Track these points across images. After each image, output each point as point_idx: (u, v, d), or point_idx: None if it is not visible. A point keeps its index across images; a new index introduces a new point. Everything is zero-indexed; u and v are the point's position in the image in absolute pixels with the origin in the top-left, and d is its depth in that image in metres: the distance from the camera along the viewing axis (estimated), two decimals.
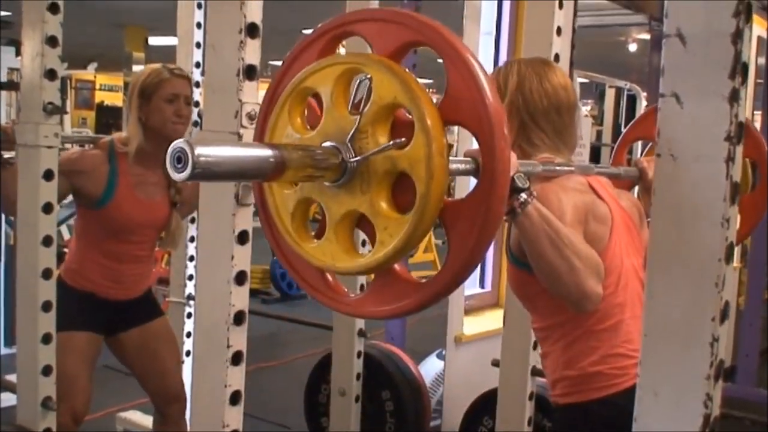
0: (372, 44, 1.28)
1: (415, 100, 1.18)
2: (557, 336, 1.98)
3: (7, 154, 2.60)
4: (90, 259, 2.95)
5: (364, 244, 1.92)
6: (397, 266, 1.28)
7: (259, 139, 1.42)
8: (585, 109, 13.59)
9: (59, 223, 7.66)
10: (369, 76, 1.22)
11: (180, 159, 1.01)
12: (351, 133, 1.22)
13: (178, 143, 1.02)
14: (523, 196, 1.59)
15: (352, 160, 1.21)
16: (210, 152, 1.03)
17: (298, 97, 1.31)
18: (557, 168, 1.85)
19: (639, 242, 2.00)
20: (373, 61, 1.22)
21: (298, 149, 1.19)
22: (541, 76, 1.98)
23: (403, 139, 1.19)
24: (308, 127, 1.32)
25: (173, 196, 2.99)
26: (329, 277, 1.40)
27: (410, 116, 1.20)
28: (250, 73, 1.71)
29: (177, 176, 1.02)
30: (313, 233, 1.35)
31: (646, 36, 7.36)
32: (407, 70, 1.24)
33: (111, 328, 3.08)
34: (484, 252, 1.26)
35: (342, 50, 1.53)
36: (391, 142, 1.20)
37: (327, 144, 1.23)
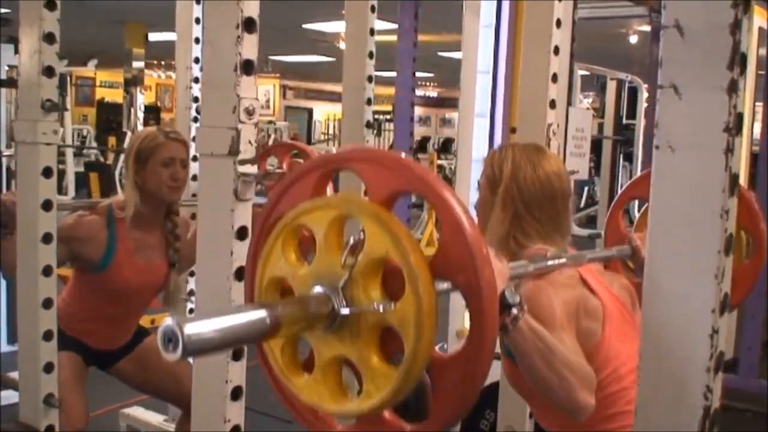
0: (367, 184, 1.29)
1: (406, 258, 1.18)
2: (558, 417, 1.98)
3: (6, 152, 2.60)
4: (82, 319, 2.95)
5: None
6: (386, 412, 1.29)
7: (252, 266, 1.42)
8: (586, 101, 13.58)
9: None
10: (362, 229, 1.23)
11: (170, 339, 0.98)
12: (343, 281, 1.22)
13: (167, 323, 0.99)
14: (514, 311, 1.57)
15: (342, 312, 1.22)
16: (200, 329, 1.01)
17: (291, 232, 1.33)
18: (549, 263, 1.84)
19: (634, 328, 1.99)
20: (367, 213, 1.23)
21: (288, 305, 1.21)
22: (535, 165, 1.98)
23: (392, 305, 1.19)
24: (301, 260, 1.33)
25: (172, 257, 2.99)
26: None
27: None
28: (247, 68, 1.71)
29: (169, 357, 0.98)
30: (303, 360, 1.36)
31: (647, 28, 7.36)
32: (396, 216, 1.26)
33: (101, 364, 3.11)
34: (469, 406, 1.27)
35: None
36: (381, 308, 1.20)
37: (318, 290, 1.24)
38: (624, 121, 8.21)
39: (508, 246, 1.97)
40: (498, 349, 1.66)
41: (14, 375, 2.67)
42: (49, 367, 2.44)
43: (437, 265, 1.22)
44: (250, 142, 1.73)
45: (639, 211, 3.17)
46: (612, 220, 2.66)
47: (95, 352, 3.00)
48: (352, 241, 1.23)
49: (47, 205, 2.38)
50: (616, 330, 1.93)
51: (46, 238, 2.39)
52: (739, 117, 1.07)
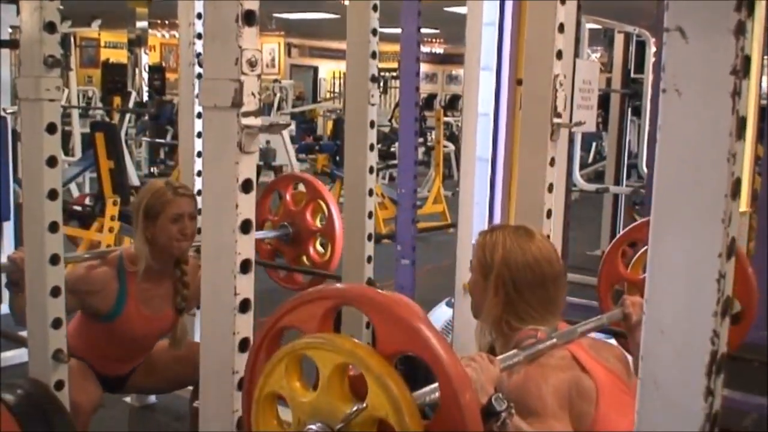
0: (377, 333, 1.36)
1: (404, 426, 1.26)
2: None
3: (10, 110, 2.59)
4: (88, 350, 2.97)
5: None
6: None
7: (252, 372, 1.54)
8: (594, 56, 13.48)
9: (68, 182, 7.69)
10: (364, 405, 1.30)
11: None
12: (340, 427, 1.31)
13: None
14: (502, 416, 1.62)
15: None
16: None
17: (296, 359, 1.40)
18: (539, 347, 1.88)
19: (633, 397, 1.99)
20: (374, 371, 1.29)
21: None
22: (525, 250, 2.00)
23: None
24: (305, 387, 1.41)
25: (179, 303, 3.01)
26: None
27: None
28: (249, 18, 1.69)
29: None
30: None
31: None
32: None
33: (111, 388, 3.13)
34: None
35: None
36: None
37: (315, 429, 1.34)
38: (632, 75, 8.13)
39: (501, 328, 2.01)
40: None
41: (25, 333, 2.68)
42: (57, 323, 2.46)
43: (435, 426, 1.30)
44: (253, 93, 1.72)
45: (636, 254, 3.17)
46: (609, 261, 2.66)
47: (102, 377, 3.03)
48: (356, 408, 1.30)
49: (51, 162, 2.37)
50: (614, 404, 1.94)
51: (52, 195, 2.39)
52: (747, 60, 1.05)
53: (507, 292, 1.99)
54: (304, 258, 4.53)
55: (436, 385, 1.36)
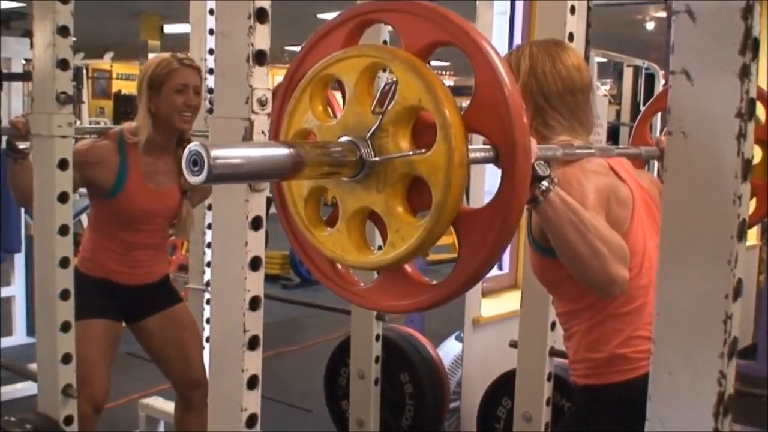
0: (400, 36, 1.25)
1: (440, 106, 1.15)
2: (581, 320, 1.97)
3: (22, 145, 2.61)
4: (103, 247, 2.98)
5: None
6: (407, 266, 1.27)
7: (276, 123, 1.39)
8: (603, 88, 13.52)
9: (78, 213, 7.72)
10: (394, 78, 1.19)
11: (196, 162, 0.99)
12: (372, 131, 1.19)
13: (194, 146, 0.99)
14: (545, 183, 1.56)
15: (371, 159, 1.19)
16: (226, 154, 1.01)
17: (320, 83, 1.29)
18: (577, 151, 1.82)
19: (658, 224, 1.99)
20: (401, 59, 1.19)
21: (315, 147, 1.16)
22: (554, 58, 1.96)
23: (423, 151, 1.16)
24: (330, 113, 1.29)
25: (183, 183, 3.00)
26: (339, 265, 1.39)
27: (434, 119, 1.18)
28: (260, 58, 1.70)
29: (193, 180, 0.99)
30: (325, 219, 1.34)
31: (664, 14, 7.30)
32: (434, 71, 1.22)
33: (130, 314, 3.10)
34: (495, 262, 1.24)
35: None
36: (412, 153, 1.17)
37: (345, 139, 1.21)
38: (641, 107, 8.15)
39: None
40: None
41: (33, 367, 2.69)
42: (67, 358, 2.46)
43: (470, 117, 1.18)
44: (263, 132, 1.74)
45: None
46: (638, 133, 2.64)
47: (126, 291, 3.00)
48: (383, 90, 1.20)
49: (63, 198, 2.39)
50: (644, 222, 1.93)
51: (63, 230, 2.40)
52: (752, 102, 1.06)
53: (535, 101, 1.94)
54: None
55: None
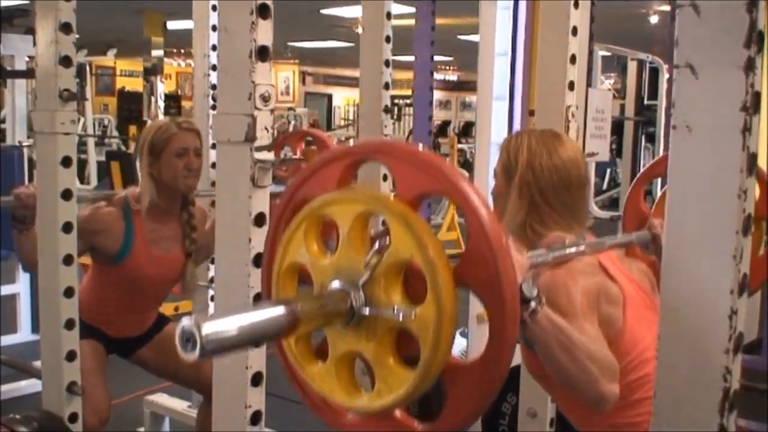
0: (395, 180, 1.27)
1: (431, 264, 1.16)
2: (581, 408, 1.96)
3: (26, 142, 2.61)
4: (100, 308, 2.98)
5: None
6: (397, 411, 1.27)
7: (272, 244, 1.40)
8: (607, 83, 13.50)
9: None
10: (386, 227, 1.21)
11: (188, 339, 0.98)
12: (364, 279, 1.20)
13: (186, 323, 0.98)
14: (532, 304, 1.52)
15: (362, 312, 1.21)
16: (218, 328, 1.00)
17: (316, 221, 1.31)
18: (567, 251, 1.80)
19: (656, 312, 1.96)
20: (395, 213, 1.20)
21: (308, 301, 1.19)
22: (551, 152, 1.95)
23: (412, 313, 1.17)
24: (323, 249, 1.30)
25: (188, 247, 3.01)
26: None
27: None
28: (262, 54, 1.70)
29: (188, 357, 0.99)
30: (316, 347, 1.33)
31: (667, 7, 7.29)
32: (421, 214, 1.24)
33: (121, 352, 3.13)
34: (482, 413, 1.26)
35: None
36: (401, 315, 1.18)
37: (338, 285, 1.23)
38: (645, 101, 8.14)
39: (525, 235, 1.95)
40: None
41: (38, 364, 2.68)
42: (71, 356, 2.46)
43: (462, 271, 1.20)
44: (266, 128, 1.73)
45: (661, 189, 3.13)
46: (632, 200, 2.63)
47: (115, 340, 3.02)
48: (378, 244, 1.21)
49: (66, 195, 2.38)
50: (638, 315, 1.91)
51: (66, 228, 2.40)
52: (757, 96, 1.06)
53: (531, 196, 1.93)
54: None
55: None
